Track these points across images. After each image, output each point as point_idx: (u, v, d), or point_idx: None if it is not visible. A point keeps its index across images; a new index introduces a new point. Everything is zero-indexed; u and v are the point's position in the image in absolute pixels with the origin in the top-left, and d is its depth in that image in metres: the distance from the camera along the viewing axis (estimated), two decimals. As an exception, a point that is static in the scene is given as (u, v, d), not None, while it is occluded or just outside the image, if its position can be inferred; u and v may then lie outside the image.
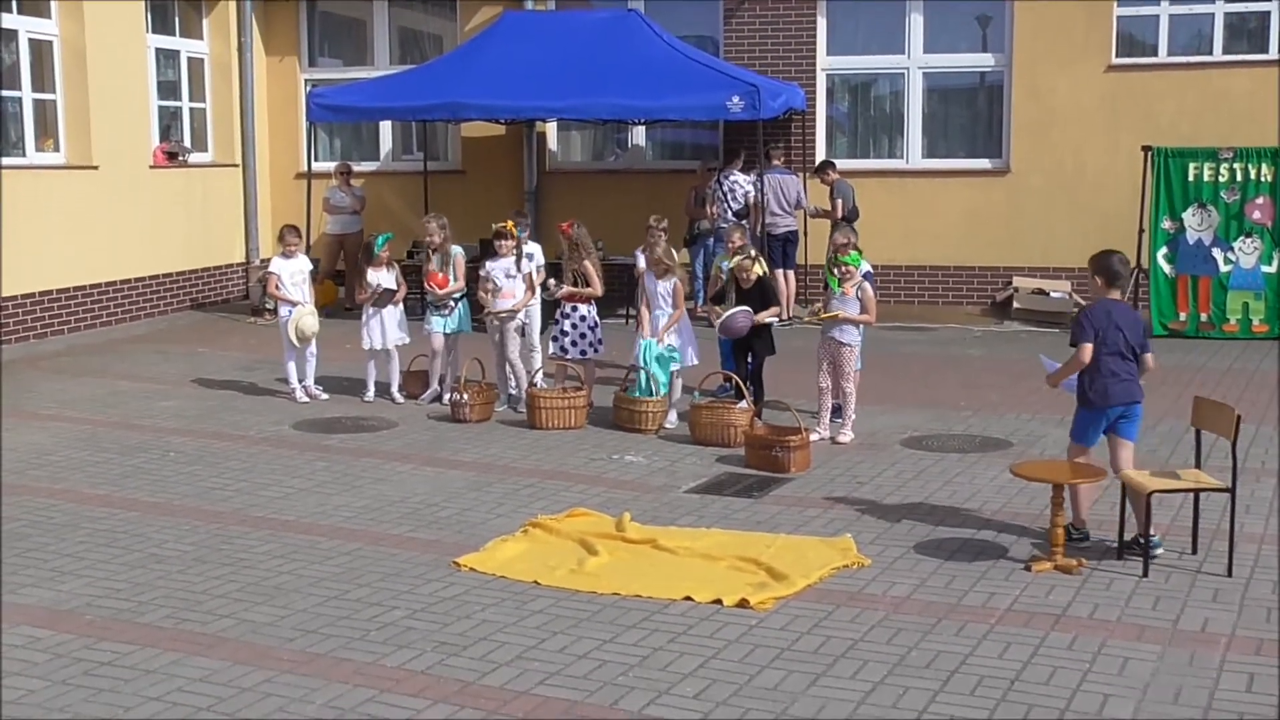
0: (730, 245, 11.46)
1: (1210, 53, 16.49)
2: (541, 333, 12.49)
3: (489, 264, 11.64)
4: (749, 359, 11.05)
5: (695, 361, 11.30)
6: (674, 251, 11.55)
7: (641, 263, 11.90)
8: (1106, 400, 7.55)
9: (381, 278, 12.11)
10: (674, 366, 11.01)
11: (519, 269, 11.62)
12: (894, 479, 9.33)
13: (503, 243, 11.54)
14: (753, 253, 11.21)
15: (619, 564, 7.45)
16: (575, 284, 11.44)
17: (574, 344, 11.49)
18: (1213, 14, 16.45)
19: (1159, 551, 7.48)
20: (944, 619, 6.62)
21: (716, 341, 12.06)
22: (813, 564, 7.38)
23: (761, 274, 11.02)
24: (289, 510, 8.66)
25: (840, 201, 16.36)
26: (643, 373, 10.91)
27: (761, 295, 10.91)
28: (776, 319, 11.18)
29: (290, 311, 12.07)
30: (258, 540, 7.99)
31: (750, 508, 8.67)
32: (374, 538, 8.04)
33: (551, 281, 11.57)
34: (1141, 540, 7.38)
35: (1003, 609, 6.76)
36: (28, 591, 7.11)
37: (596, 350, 11.62)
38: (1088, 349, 7.49)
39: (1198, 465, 7.75)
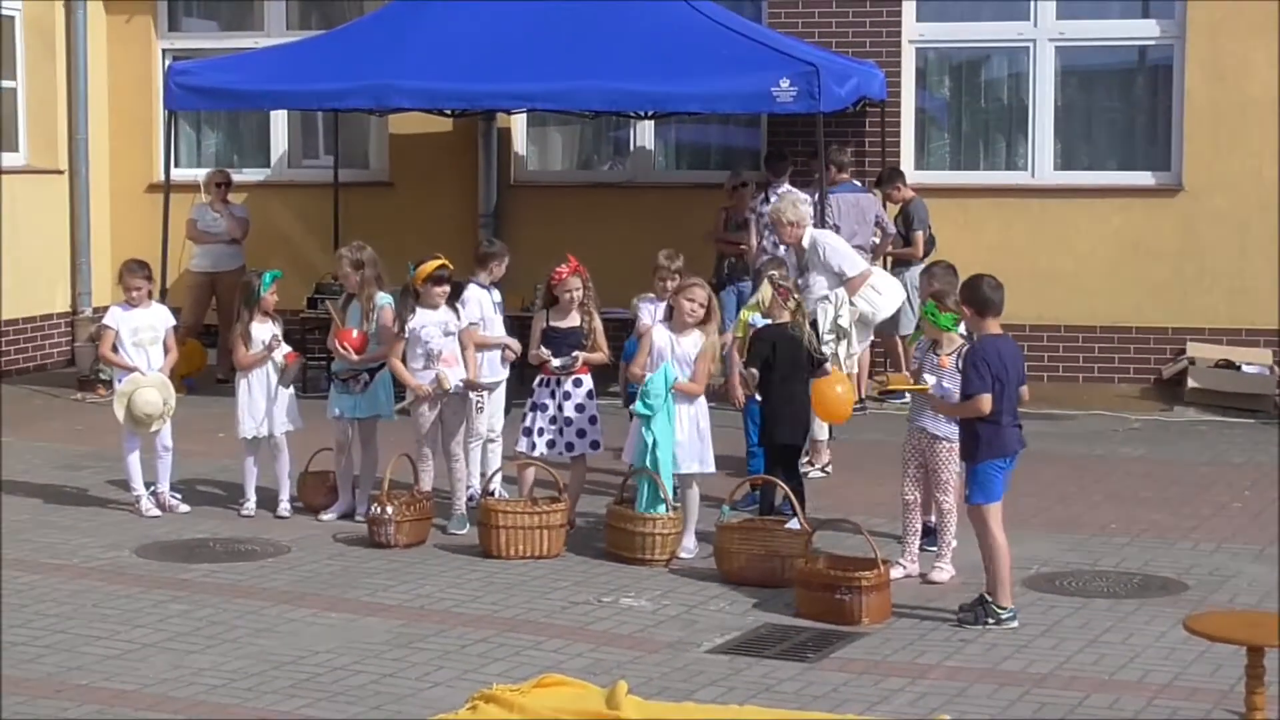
0: (773, 289, 11.53)
1: None
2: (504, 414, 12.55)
3: (415, 321, 11.59)
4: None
5: (712, 469, 11.24)
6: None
7: (645, 316, 11.92)
8: (1006, 450, 9.42)
9: (268, 333, 12.12)
10: (689, 469, 10.98)
11: (460, 320, 11.66)
12: (1014, 635, 9.27)
13: (437, 288, 11.55)
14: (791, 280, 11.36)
15: (610, 758, 7.38)
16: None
17: (560, 433, 11.48)
18: None
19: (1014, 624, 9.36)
20: (1088, 843, 6.54)
21: (743, 419, 12.12)
22: (895, 760, 7.31)
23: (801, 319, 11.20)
24: (127, 675, 8.59)
25: (920, 232, 16.43)
26: (646, 480, 10.87)
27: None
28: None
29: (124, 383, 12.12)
30: None
31: (803, 675, 8.61)
32: (252, 717, 7.96)
33: (544, 351, 11.52)
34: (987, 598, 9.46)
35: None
36: None
37: (593, 445, 11.63)
38: (987, 401, 9.26)
39: None
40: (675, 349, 11.04)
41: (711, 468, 11.24)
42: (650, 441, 10.84)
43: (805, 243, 13.23)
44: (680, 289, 11.25)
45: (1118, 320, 17.21)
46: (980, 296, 9.55)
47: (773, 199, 16.21)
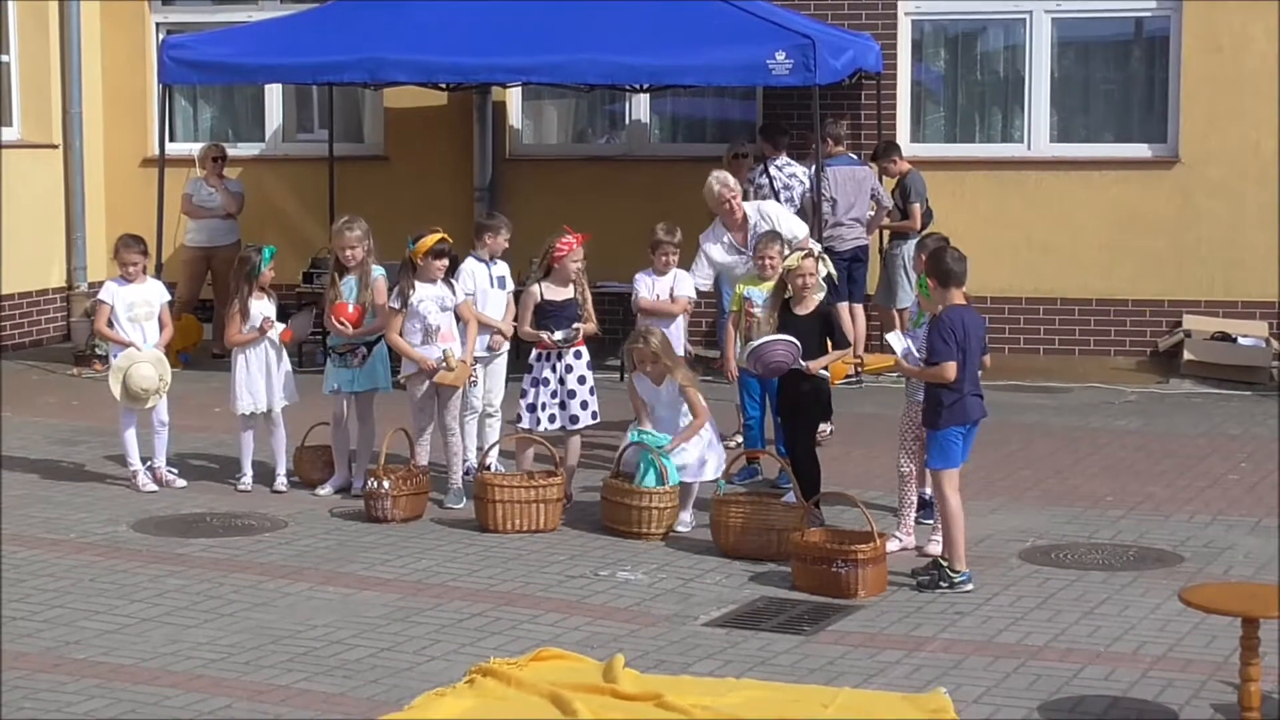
0: (762, 262, 11.54)
1: None
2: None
3: (416, 295, 11.60)
4: (790, 423, 11.17)
5: (716, 476, 11.23)
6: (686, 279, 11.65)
7: (643, 290, 11.99)
8: (967, 418, 9.67)
9: (265, 308, 12.13)
10: (687, 478, 11.02)
11: (455, 296, 11.71)
12: (1009, 607, 9.31)
13: (436, 262, 11.58)
14: (816, 249, 11.25)
15: (607, 730, 7.42)
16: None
17: (562, 407, 11.53)
18: None
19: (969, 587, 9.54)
20: (1082, 813, 6.59)
21: (739, 392, 12.09)
22: (891, 731, 7.36)
23: (826, 287, 11.13)
24: (125, 649, 8.62)
25: (917, 205, 16.41)
26: (647, 456, 10.90)
27: (823, 330, 11.04)
28: (847, 369, 11.24)
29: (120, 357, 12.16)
30: (76, 694, 7.94)
31: (800, 648, 8.65)
32: (250, 690, 8.00)
33: (542, 333, 11.55)
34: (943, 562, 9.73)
35: (1169, 799, 6.73)
36: None
37: (594, 416, 11.69)
38: (952, 368, 9.47)
39: None
40: (663, 395, 11.08)
41: (722, 468, 11.15)
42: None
43: (751, 214, 13.04)
44: (631, 349, 11.22)
45: (1114, 293, 17.24)
46: (943, 268, 9.77)
47: (778, 171, 16.24)
